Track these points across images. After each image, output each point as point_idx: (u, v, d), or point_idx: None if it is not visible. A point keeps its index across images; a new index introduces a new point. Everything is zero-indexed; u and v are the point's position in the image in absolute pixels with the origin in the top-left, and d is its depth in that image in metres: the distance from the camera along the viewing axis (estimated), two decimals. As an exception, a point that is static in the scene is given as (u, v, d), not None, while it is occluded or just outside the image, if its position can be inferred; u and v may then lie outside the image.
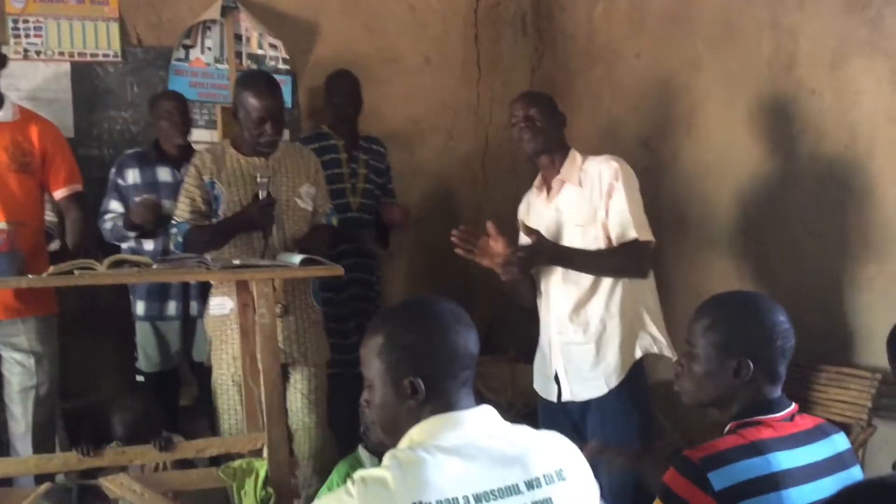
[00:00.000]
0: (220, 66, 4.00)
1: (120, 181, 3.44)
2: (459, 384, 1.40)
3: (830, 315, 2.92)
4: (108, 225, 3.40)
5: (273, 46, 4.07)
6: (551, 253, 2.56)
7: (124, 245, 3.41)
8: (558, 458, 1.39)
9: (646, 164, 3.37)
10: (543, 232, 2.57)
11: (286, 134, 3.77)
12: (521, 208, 2.82)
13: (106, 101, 3.85)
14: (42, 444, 2.82)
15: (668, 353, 2.60)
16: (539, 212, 2.72)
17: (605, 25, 4.00)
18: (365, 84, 3.90)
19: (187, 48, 3.94)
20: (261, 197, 2.83)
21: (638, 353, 2.57)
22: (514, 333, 3.80)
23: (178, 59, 3.93)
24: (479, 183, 4.50)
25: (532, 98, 2.73)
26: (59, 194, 2.96)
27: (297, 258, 2.62)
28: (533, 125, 2.63)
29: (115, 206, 3.43)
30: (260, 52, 4.07)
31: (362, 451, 2.70)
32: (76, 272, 2.38)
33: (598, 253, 2.56)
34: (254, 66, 4.01)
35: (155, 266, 2.51)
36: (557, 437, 1.44)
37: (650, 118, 3.67)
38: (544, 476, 1.34)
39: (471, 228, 2.61)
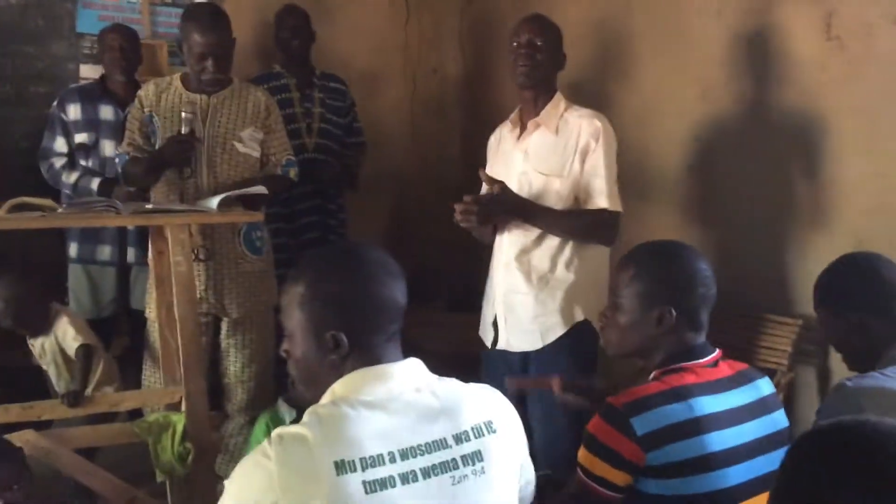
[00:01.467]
0: (131, -2, 3.75)
1: (62, 116, 3.26)
2: (386, 337, 1.34)
3: (770, 269, 2.95)
4: (55, 167, 3.25)
5: (192, -24, 3.84)
6: (514, 207, 2.41)
7: (69, 179, 3.24)
8: (487, 409, 1.35)
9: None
10: (503, 173, 2.46)
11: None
12: (492, 140, 2.68)
13: (7, 34, 3.58)
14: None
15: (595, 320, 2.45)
16: (506, 150, 2.57)
17: (537, -35, 3.89)
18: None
19: (97, -22, 3.69)
20: (183, 132, 2.70)
21: (580, 316, 2.46)
22: (447, 280, 3.77)
23: (87, -10, 3.67)
24: (407, 128, 4.39)
25: (543, 25, 2.49)
26: None
27: (214, 201, 2.49)
28: (533, 57, 2.44)
29: (60, 144, 3.26)
30: (176, -18, 3.84)
31: (282, 404, 2.62)
32: (-28, 217, 2.21)
33: (564, 214, 2.42)
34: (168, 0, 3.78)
35: (61, 210, 2.35)
36: (487, 388, 1.41)
37: (583, 63, 3.61)
38: (473, 429, 1.31)
39: (475, 199, 2.36)
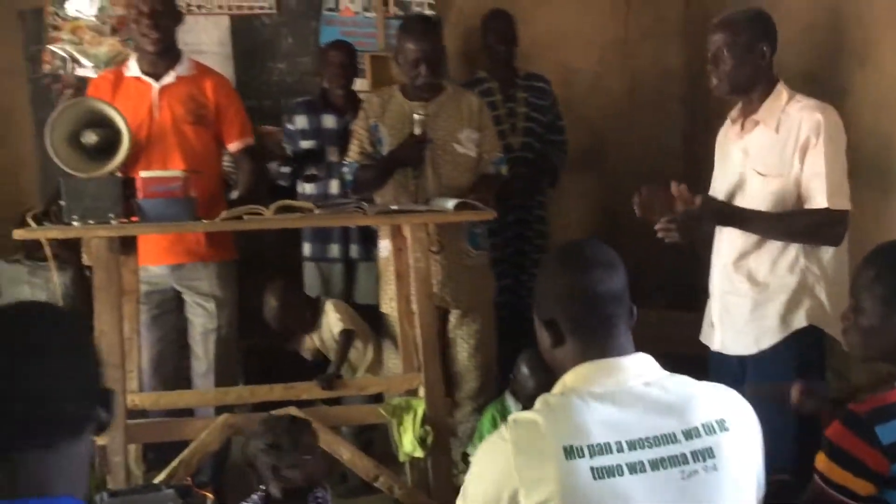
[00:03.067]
0: (367, 14, 4.05)
1: (289, 126, 3.59)
2: (608, 327, 1.39)
3: None
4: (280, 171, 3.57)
5: (419, -9, 4.08)
6: (720, 217, 2.34)
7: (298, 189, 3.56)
8: (720, 407, 1.35)
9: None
10: (721, 174, 2.41)
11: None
12: (720, 136, 2.59)
13: (263, 53, 3.99)
14: (223, 379, 3.02)
15: (833, 332, 2.29)
16: (728, 148, 2.49)
17: (766, -49, 3.74)
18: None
19: (337, -3, 4.02)
20: (416, 133, 2.88)
21: (801, 322, 2.31)
22: (667, 277, 3.72)
23: (329, 9, 4.01)
24: (627, 123, 4.38)
25: (725, 27, 2.34)
26: (232, 147, 3.11)
27: (450, 203, 2.67)
28: (721, 67, 2.34)
29: (289, 150, 3.58)
30: (406, -2, 4.09)
31: (508, 397, 2.76)
32: (245, 217, 2.53)
33: (780, 217, 2.30)
34: (400, 13, 4.03)
35: (316, 211, 2.63)
36: (721, 387, 1.41)
37: (817, 50, 3.43)
38: (704, 426, 1.32)
39: (652, 189, 2.38)
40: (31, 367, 1.05)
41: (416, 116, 2.90)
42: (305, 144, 3.56)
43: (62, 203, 2.49)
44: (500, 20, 3.81)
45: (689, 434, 1.31)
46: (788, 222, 2.30)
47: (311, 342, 3.13)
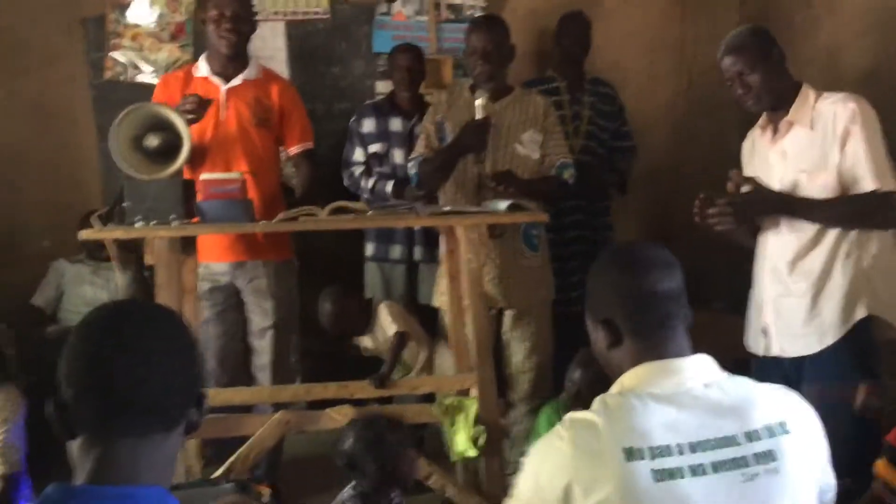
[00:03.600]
0: (420, 18, 4.09)
1: (359, 129, 3.64)
2: (666, 328, 1.39)
3: None
4: (354, 174, 3.60)
5: (472, -5, 4.11)
6: (772, 202, 2.36)
7: (367, 184, 3.58)
8: (781, 410, 1.35)
9: (873, 101, 3.10)
10: (763, 178, 2.40)
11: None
12: (745, 147, 2.63)
13: (317, 57, 4.06)
14: (280, 376, 3.09)
15: (891, 317, 2.34)
16: (762, 154, 2.52)
17: (824, -50, 3.69)
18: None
19: (390, 2, 4.06)
20: (477, 118, 2.89)
21: (861, 313, 2.32)
22: (724, 281, 3.67)
23: (382, 14, 4.06)
24: (681, 127, 4.34)
25: (738, 50, 2.39)
26: (292, 150, 3.17)
27: (503, 204, 2.67)
28: (750, 89, 2.38)
29: (359, 154, 3.63)
30: (458, 1, 4.11)
31: (565, 398, 2.75)
32: (301, 219, 2.57)
33: (832, 202, 2.32)
34: (452, 17, 4.07)
35: (369, 213, 2.66)
36: (781, 389, 1.40)
37: (878, 50, 3.37)
38: (765, 428, 1.31)
39: (711, 196, 2.35)
40: (141, 359, 1.10)
41: (477, 102, 2.90)
42: (373, 148, 3.60)
43: (125, 205, 2.55)
44: (578, 23, 3.83)
45: (751, 436, 1.30)
46: (840, 206, 2.32)
47: (366, 342, 3.16)
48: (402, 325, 3.05)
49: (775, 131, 2.46)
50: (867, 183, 2.27)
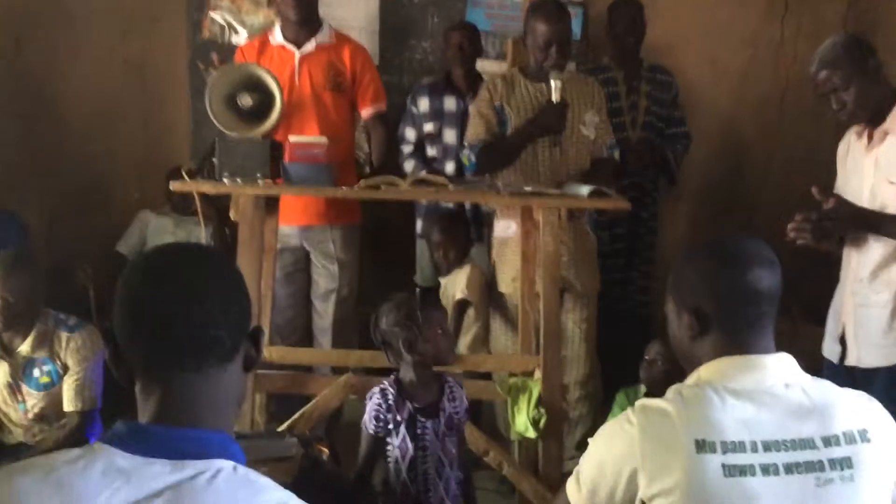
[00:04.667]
0: (514, -2, 4.06)
1: (413, 109, 3.65)
2: (753, 324, 1.37)
3: None
4: (403, 153, 3.63)
5: (569, -23, 4.05)
6: (853, 219, 2.30)
7: (408, 167, 3.58)
8: (863, 417, 1.32)
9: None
10: (856, 185, 2.35)
11: (572, 66, 3.76)
12: (841, 149, 2.57)
13: (408, 30, 4.07)
14: (340, 339, 3.15)
15: None
16: (856, 159, 2.45)
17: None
18: (654, 19, 3.76)
19: (486, -21, 4.04)
20: (555, 100, 2.88)
21: None
22: (799, 289, 3.57)
23: (476, -8, 4.05)
24: (774, 128, 4.21)
25: (832, 66, 2.32)
26: (365, 113, 3.21)
27: (584, 189, 2.65)
28: (842, 103, 2.32)
29: (410, 133, 3.64)
30: (553, -18, 4.06)
31: (643, 386, 2.74)
32: (382, 187, 2.59)
33: None
34: (546, -1, 4.02)
35: (451, 187, 2.67)
36: (864, 396, 1.38)
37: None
38: (844, 434, 1.29)
39: (807, 216, 2.27)
40: (186, 291, 1.08)
41: (554, 83, 2.88)
42: (427, 127, 3.60)
43: (214, 161, 2.62)
44: (629, 9, 3.71)
45: (829, 441, 1.28)
46: None
47: (444, 282, 3.25)
48: (473, 293, 3.08)
49: (871, 138, 2.39)
50: None
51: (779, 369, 1.35)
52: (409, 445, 2.12)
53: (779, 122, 4.21)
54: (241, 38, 4.02)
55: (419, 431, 2.13)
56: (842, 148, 2.56)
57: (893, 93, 2.35)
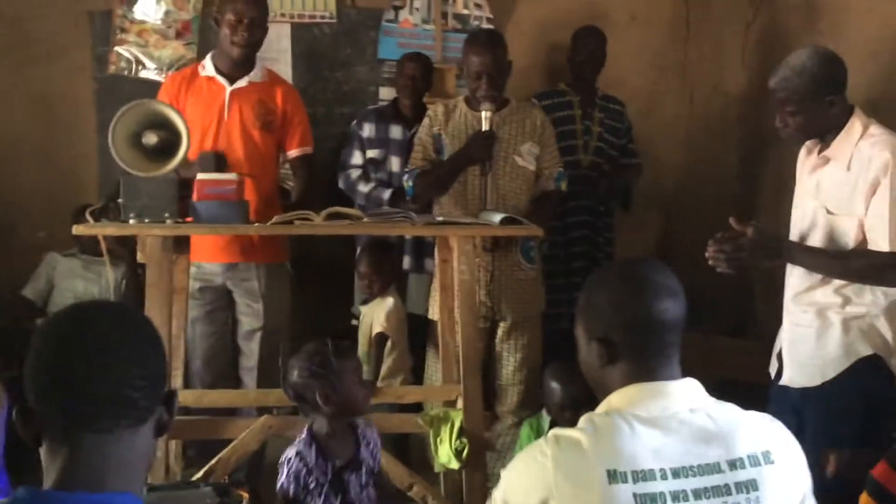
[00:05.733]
0: (426, 26, 4.10)
1: (360, 133, 3.65)
2: (658, 353, 1.38)
3: None
4: (351, 177, 3.62)
5: (478, 6, 4.12)
6: (769, 252, 2.25)
7: (364, 189, 3.59)
8: (766, 439, 1.34)
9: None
10: (800, 203, 2.37)
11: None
12: (802, 154, 2.49)
13: (321, 61, 4.06)
14: (266, 378, 3.07)
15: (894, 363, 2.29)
16: (804, 179, 2.44)
17: (832, -24, 3.69)
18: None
19: (397, 9, 4.07)
20: (484, 129, 2.92)
21: (866, 350, 2.27)
22: (721, 304, 3.67)
23: (388, 20, 4.07)
24: (683, 146, 4.34)
25: (790, 89, 2.25)
26: (291, 154, 3.17)
27: (497, 216, 2.67)
28: (784, 119, 2.30)
29: (357, 157, 3.64)
30: (465, 11, 4.13)
31: (545, 415, 2.76)
32: (296, 222, 2.56)
33: (839, 257, 2.25)
34: (458, 26, 4.08)
35: (365, 219, 2.65)
36: (767, 418, 1.39)
37: (882, 77, 3.37)
38: (749, 457, 1.31)
39: (721, 247, 2.23)
40: (102, 352, 1.07)
41: (484, 114, 2.93)
42: (371, 153, 3.60)
43: (120, 201, 2.55)
44: (592, 39, 3.81)
45: (734, 464, 1.30)
46: (846, 263, 2.25)
47: (365, 310, 3.26)
48: (388, 326, 3.07)
49: (817, 158, 2.38)
50: (883, 243, 2.19)
51: (684, 395, 1.36)
52: (336, 502, 2.08)
53: (687, 138, 4.34)
54: (150, 72, 3.95)
55: (344, 487, 2.10)
56: (800, 160, 2.51)
57: (846, 113, 2.30)
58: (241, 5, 2.92)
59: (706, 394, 1.38)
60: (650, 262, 1.47)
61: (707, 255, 2.23)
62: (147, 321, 1.20)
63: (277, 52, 4.01)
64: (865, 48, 3.47)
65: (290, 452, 2.11)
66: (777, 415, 1.60)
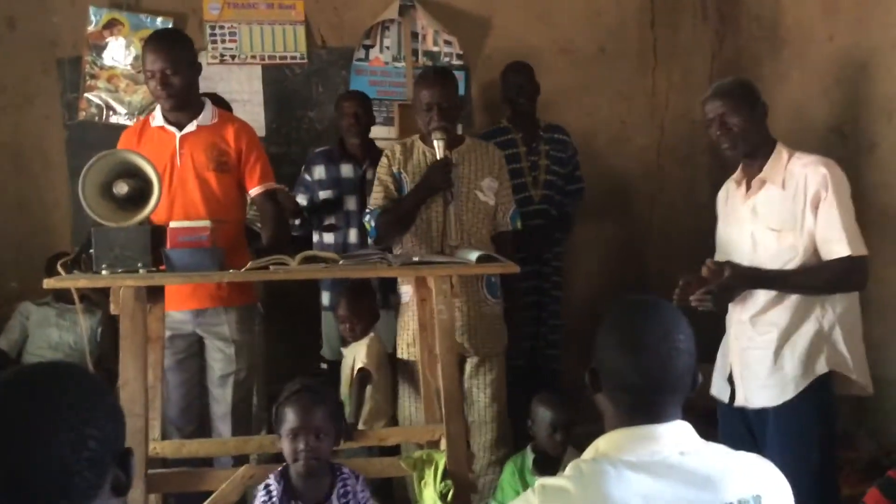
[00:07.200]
0: (397, 64, 4.12)
1: (307, 177, 3.64)
2: (662, 405, 1.36)
3: None
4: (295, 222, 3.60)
5: (448, 42, 4.16)
6: (749, 281, 2.40)
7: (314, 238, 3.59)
8: (757, 482, 1.33)
9: (838, 154, 3.15)
10: (736, 233, 2.47)
11: (459, 128, 3.81)
12: (721, 196, 2.69)
13: (293, 101, 4.07)
14: (240, 424, 3.03)
15: (855, 376, 2.41)
16: (735, 207, 2.57)
17: (793, 6, 3.78)
18: (539, 76, 3.88)
19: (367, 48, 4.09)
20: (439, 157, 2.92)
21: (822, 368, 2.38)
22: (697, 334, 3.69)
23: (359, 59, 4.09)
24: (654, 174, 4.39)
25: (726, 96, 2.45)
26: (254, 192, 3.13)
27: (474, 254, 2.67)
28: (729, 131, 2.43)
29: (301, 200, 3.62)
30: (435, 48, 4.16)
31: (529, 452, 2.74)
32: (271, 268, 2.54)
33: (805, 272, 2.38)
34: (429, 63, 4.10)
35: (342, 262, 2.64)
36: (757, 459, 1.39)
37: (844, 104, 3.43)
38: (739, 502, 1.30)
39: (690, 281, 2.39)
40: (35, 435, 1.01)
41: (437, 142, 2.93)
42: (324, 194, 3.60)
43: (92, 251, 2.51)
44: (519, 72, 3.82)
45: None
46: (815, 276, 2.37)
47: (347, 352, 3.23)
48: (370, 363, 3.05)
49: (748, 187, 2.51)
50: (840, 248, 2.33)
51: (673, 438, 1.34)
52: None
53: (657, 167, 4.38)
54: (120, 117, 3.94)
55: None
56: (721, 195, 2.68)
57: (771, 141, 2.48)
58: (150, 60, 2.89)
59: (696, 436, 1.37)
60: (668, 312, 1.42)
61: (693, 299, 2.32)
62: (89, 383, 1.12)
63: (249, 93, 4.02)
64: (829, 75, 3.54)
65: (262, 485, 2.15)
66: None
